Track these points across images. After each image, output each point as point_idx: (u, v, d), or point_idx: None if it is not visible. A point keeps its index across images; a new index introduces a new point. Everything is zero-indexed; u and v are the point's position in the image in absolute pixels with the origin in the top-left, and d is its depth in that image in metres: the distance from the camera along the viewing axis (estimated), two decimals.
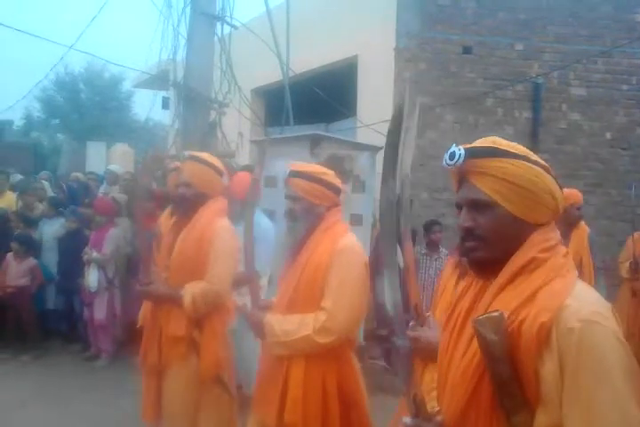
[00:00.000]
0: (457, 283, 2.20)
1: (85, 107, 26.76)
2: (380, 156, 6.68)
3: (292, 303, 2.54)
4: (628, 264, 5.43)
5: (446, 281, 2.37)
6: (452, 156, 1.43)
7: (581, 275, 4.15)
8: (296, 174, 2.62)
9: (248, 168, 6.46)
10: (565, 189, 4.43)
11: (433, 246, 6.27)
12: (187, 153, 3.25)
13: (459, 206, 1.49)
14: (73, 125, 25.91)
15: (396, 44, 7.29)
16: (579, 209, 4.79)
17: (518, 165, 1.41)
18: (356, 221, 5.36)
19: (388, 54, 7.28)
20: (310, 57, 7.77)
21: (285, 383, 2.47)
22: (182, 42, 6.10)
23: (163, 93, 9.12)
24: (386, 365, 5.72)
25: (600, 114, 7.87)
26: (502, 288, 1.40)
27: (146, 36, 7.87)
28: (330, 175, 2.68)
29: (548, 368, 1.28)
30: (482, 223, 1.42)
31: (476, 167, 1.42)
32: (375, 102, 7.49)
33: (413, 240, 6.44)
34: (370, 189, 5.35)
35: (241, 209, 4.61)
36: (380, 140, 7.07)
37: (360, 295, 2.53)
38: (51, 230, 6.59)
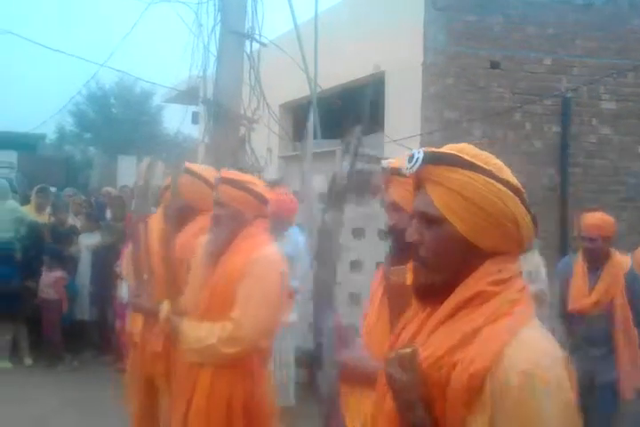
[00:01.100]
0: (382, 298, 2.01)
1: (116, 121, 27.25)
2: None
3: (207, 311, 2.49)
4: None
5: (372, 296, 2.12)
6: (411, 159, 1.24)
7: (612, 321, 3.77)
8: (224, 181, 2.58)
9: (276, 183, 6.52)
10: (589, 215, 4.07)
11: None
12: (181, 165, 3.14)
13: (411, 217, 1.29)
14: (104, 139, 26.40)
15: (424, 59, 7.31)
16: (606, 241, 4.00)
17: (479, 180, 1.18)
18: (384, 236, 5.37)
19: (416, 69, 7.31)
20: (338, 72, 7.84)
21: (192, 392, 2.42)
22: (212, 59, 6.20)
23: (192, 108, 9.25)
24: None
25: (631, 128, 7.78)
26: (442, 322, 1.19)
27: (176, 52, 8.02)
28: (258, 185, 2.66)
29: (478, 423, 1.10)
30: (426, 240, 1.22)
31: (431, 175, 1.22)
32: (402, 117, 7.51)
33: None
34: None
35: (281, 227, 4.64)
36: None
37: (270, 306, 2.47)
38: (88, 244, 6.75)
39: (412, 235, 1.24)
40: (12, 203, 7.20)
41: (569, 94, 7.56)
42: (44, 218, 7.16)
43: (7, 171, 11.71)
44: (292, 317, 4.62)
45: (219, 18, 5.99)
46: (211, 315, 2.47)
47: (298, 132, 9.20)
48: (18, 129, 16.30)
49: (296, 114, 9.96)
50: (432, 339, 1.18)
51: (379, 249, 5.37)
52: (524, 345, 1.11)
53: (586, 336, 4.00)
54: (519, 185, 1.22)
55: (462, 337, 1.14)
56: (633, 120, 7.78)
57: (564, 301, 4.19)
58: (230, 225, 2.53)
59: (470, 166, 1.19)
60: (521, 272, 1.23)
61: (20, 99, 39.99)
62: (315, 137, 6.57)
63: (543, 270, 5.82)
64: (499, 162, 1.25)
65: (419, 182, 1.26)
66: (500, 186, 1.19)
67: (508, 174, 1.23)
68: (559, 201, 7.54)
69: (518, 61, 7.53)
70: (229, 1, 5.80)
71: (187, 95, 8.61)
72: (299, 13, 6.64)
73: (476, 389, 1.09)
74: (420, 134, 7.13)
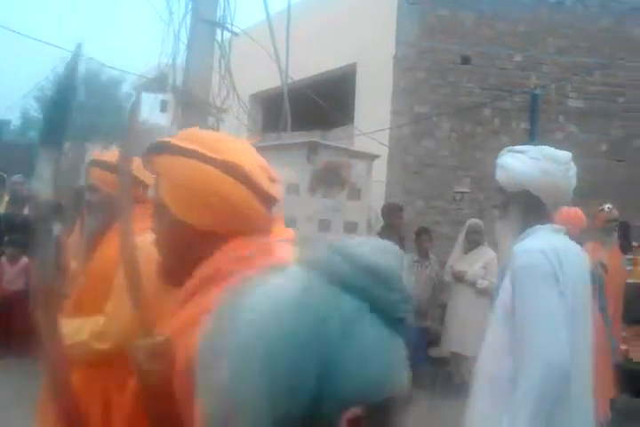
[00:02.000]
0: None
1: (84, 108, 26.78)
2: (377, 163, 6.72)
3: (81, 305, 2.28)
4: None
5: None
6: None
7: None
8: (95, 164, 2.32)
9: None
10: (565, 209, 4.14)
11: (423, 254, 6.30)
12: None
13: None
14: (71, 126, 25.89)
15: (395, 52, 7.33)
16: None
17: (186, 164, 1.18)
18: (350, 228, 5.39)
19: (387, 63, 7.32)
20: (309, 64, 7.80)
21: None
22: (182, 47, 6.11)
23: (161, 96, 9.12)
24: None
25: (596, 126, 7.91)
26: (181, 305, 1.16)
27: (146, 40, 7.89)
28: (135, 167, 2.29)
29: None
30: (155, 228, 1.25)
31: (153, 164, 1.24)
32: (373, 110, 7.52)
33: (402, 247, 6.48)
34: (365, 197, 5.37)
35: None
36: (377, 148, 7.12)
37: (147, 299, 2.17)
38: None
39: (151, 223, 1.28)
40: None
41: (537, 91, 7.66)
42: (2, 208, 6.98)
43: None
44: None
45: (190, 6, 5.91)
46: (83, 309, 2.26)
47: (268, 123, 9.15)
48: None
49: (266, 104, 9.90)
50: (172, 322, 1.15)
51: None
52: None
53: None
54: (240, 165, 1.18)
55: (188, 319, 1.07)
56: (598, 118, 7.91)
57: None
58: (104, 212, 2.27)
59: (176, 151, 1.19)
60: (268, 250, 1.17)
61: None
62: (284, 129, 6.54)
63: (496, 265, 5.94)
64: (209, 141, 1.22)
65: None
66: (208, 167, 1.16)
67: (230, 154, 1.19)
68: None
69: (489, 57, 7.59)
70: None
71: (156, 83, 8.49)
72: (271, 3, 6.58)
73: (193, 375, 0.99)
74: (390, 128, 7.15)
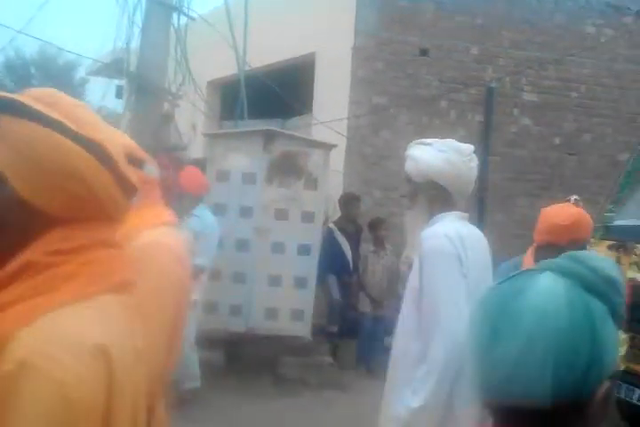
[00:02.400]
0: None
1: None
2: (335, 153, 6.72)
3: None
4: None
5: None
6: None
7: None
8: None
9: (199, 162, 6.39)
10: (553, 209, 2.81)
11: (379, 244, 6.34)
12: None
13: None
14: None
15: (354, 42, 7.31)
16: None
17: (41, 133, 0.97)
18: (307, 217, 5.38)
19: (346, 53, 7.30)
20: (268, 52, 7.73)
21: None
22: (137, 31, 5.97)
23: (117, 82, 8.92)
24: (332, 361, 5.76)
25: (550, 120, 8.07)
26: None
27: (100, 23, 7.67)
28: None
29: None
30: None
31: None
32: (331, 100, 7.50)
33: (358, 238, 6.52)
34: (322, 187, 5.36)
35: (190, 204, 4.56)
36: (336, 138, 7.11)
37: None
38: None
39: None
40: None
41: (493, 84, 7.76)
42: None
43: None
44: (195, 297, 4.56)
45: None
46: None
47: (225, 111, 9.04)
48: None
49: (224, 91, 9.78)
50: None
51: (301, 231, 5.38)
52: (41, 329, 0.90)
53: None
54: (102, 143, 1.01)
55: None
56: (552, 112, 8.07)
57: None
58: None
59: (33, 116, 0.98)
60: (105, 242, 1.03)
61: None
62: (241, 116, 6.47)
63: None
64: (88, 117, 1.05)
65: None
66: (66, 141, 0.98)
67: (90, 129, 1.02)
68: (479, 188, 7.76)
69: (446, 50, 7.65)
70: None
71: (111, 68, 8.29)
72: None
73: None
74: (348, 118, 7.15)
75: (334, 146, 6.44)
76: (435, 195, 2.21)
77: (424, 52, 7.57)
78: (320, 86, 7.88)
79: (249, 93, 6.79)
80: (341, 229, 6.28)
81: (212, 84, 9.71)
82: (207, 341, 5.34)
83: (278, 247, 5.32)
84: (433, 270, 2.05)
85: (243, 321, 5.27)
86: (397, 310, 7.21)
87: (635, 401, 3.75)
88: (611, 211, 4.65)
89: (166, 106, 5.81)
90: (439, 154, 2.19)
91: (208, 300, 5.16)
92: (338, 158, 7.01)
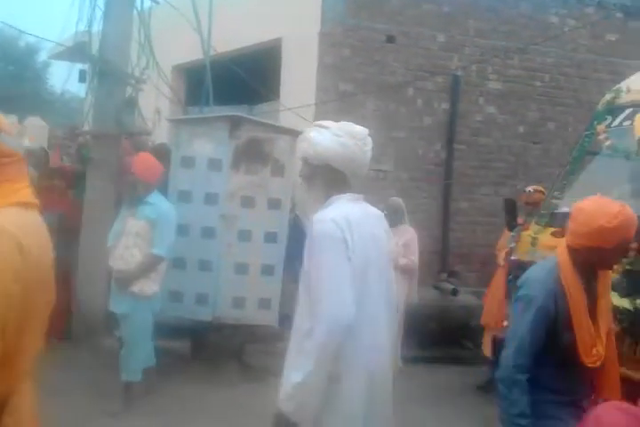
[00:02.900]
0: None
1: None
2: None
3: None
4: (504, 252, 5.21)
5: None
6: None
7: None
8: None
9: (162, 147, 6.30)
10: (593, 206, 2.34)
11: None
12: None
13: None
14: None
15: (321, 29, 7.26)
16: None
17: None
18: (274, 204, 5.35)
19: (313, 39, 7.25)
20: (234, 36, 7.62)
21: None
22: (100, 14, 5.83)
23: (80, 66, 8.71)
24: None
25: (514, 108, 8.17)
26: None
27: (62, 6, 7.46)
28: None
29: None
30: None
31: None
32: (298, 86, 7.45)
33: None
34: (289, 173, 5.33)
35: (143, 191, 4.47)
36: (301, 124, 7.06)
37: None
38: None
39: None
40: None
41: (459, 73, 7.80)
42: None
43: None
44: (153, 287, 4.51)
45: None
46: None
47: (191, 96, 8.92)
48: None
49: (189, 76, 9.63)
50: None
51: (268, 218, 5.35)
52: None
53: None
54: None
55: None
56: (516, 101, 8.16)
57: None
58: None
59: None
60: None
61: None
62: (207, 102, 6.39)
63: (416, 243, 6.08)
64: None
65: None
66: None
67: None
68: (444, 176, 7.83)
69: (413, 37, 7.65)
70: None
71: (73, 52, 8.08)
72: None
73: None
74: (315, 104, 7.12)
75: (301, 132, 6.40)
76: (330, 177, 2.28)
77: (391, 39, 7.56)
78: (287, 72, 7.82)
79: (215, 79, 6.70)
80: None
81: (177, 68, 9.56)
82: (173, 330, 5.30)
83: (245, 235, 5.28)
84: (317, 255, 2.16)
85: (209, 310, 5.22)
86: None
87: None
88: (556, 197, 4.60)
89: (129, 90, 5.70)
90: (335, 138, 2.25)
91: (173, 289, 5.11)
92: None
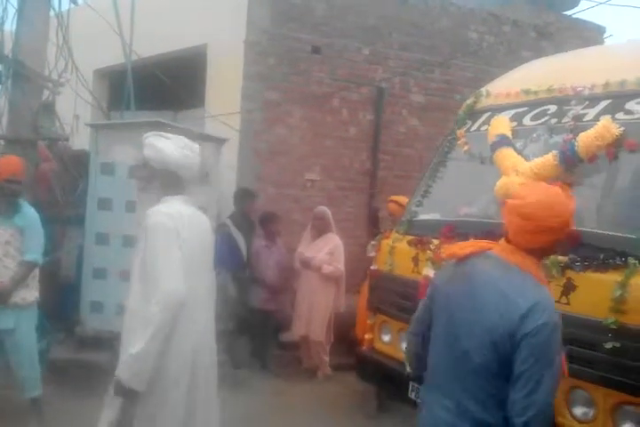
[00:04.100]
0: None
1: None
2: (226, 148, 6.62)
3: None
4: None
5: None
6: None
7: None
8: None
9: (81, 153, 6.09)
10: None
11: (271, 238, 6.33)
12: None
13: None
14: None
15: (246, 37, 7.24)
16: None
17: None
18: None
19: (238, 46, 7.22)
20: (158, 41, 7.48)
21: None
22: (13, 12, 5.59)
23: None
24: (226, 358, 5.68)
25: (436, 120, 8.40)
26: None
27: None
28: None
29: None
30: None
31: None
32: (223, 94, 7.39)
33: (252, 233, 6.45)
34: (214, 182, 5.26)
35: (17, 197, 4.23)
36: (227, 132, 7.00)
37: None
38: None
39: None
40: None
41: (383, 85, 7.96)
42: None
43: None
44: (35, 294, 4.32)
45: None
46: None
47: (114, 101, 8.68)
48: None
49: (112, 81, 9.37)
50: None
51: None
52: None
53: None
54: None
55: None
56: (438, 113, 8.40)
57: None
58: None
59: None
60: None
61: None
62: (128, 107, 6.23)
63: (342, 251, 6.15)
64: None
65: None
66: None
67: None
68: (369, 185, 7.95)
69: (338, 49, 7.75)
70: None
71: None
72: None
73: None
74: (240, 112, 7.08)
75: (226, 140, 6.35)
76: (169, 180, 2.67)
77: (316, 50, 7.63)
78: (212, 79, 7.74)
79: (139, 84, 6.55)
80: (236, 225, 6.20)
81: (98, 72, 9.28)
82: (93, 341, 5.10)
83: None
84: (154, 242, 2.51)
85: None
86: (291, 305, 7.10)
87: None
88: (416, 205, 4.33)
89: (46, 93, 5.48)
90: (177, 148, 2.66)
91: (94, 299, 4.93)
92: (231, 154, 6.92)
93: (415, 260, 3.85)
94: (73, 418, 4.35)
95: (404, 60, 8.15)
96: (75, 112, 5.85)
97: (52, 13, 5.80)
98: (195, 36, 7.58)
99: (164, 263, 2.45)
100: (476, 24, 8.66)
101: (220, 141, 5.91)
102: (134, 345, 2.42)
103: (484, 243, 2.25)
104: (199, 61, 7.84)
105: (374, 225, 5.31)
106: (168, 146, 2.64)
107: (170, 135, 2.71)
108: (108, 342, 5.31)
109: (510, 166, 3.49)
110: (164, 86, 7.26)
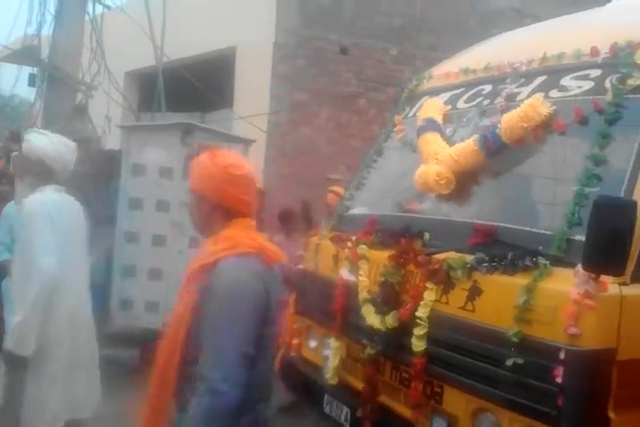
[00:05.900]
0: None
1: None
2: (253, 148, 6.71)
3: None
4: None
5: None
6: None
7: None
8: None
9: (113, 153, 6.23)
10: None
11: (289, 234, 6.40)
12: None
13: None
14: None
15: (275, 38, 7.33)
16: None
17: None
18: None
19: (267, 48, 7.31)
20: (188, 44, 7.61)
21: None
22: (50, 18, 5.76)
23: (29, 69, 8.55)
24: None
25: None
26: None
27: (11, 7, 7.33)
28: None
29: None
30: None
31: None
32: (252, 95, 7.49)
33: (262, 229, 6.48)
34: None
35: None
36: (256, 134, 7.10)
37: None
38: None
39: None
40: None
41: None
42: None
43: None
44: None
45: None
46: None
47: (144, 103, 8.85)
48: None
49: (142, 83, 9.56)
50: None
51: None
52: None
53: None
54: None
55: None
56: None
57: None
58: None
59: None
60: None
61: None
62: (158, 109, 6.36)
63: None
64: None
65: None
66: None
67: None
68: None
69: (366, 49, 7.79)
70: None
71: (21, 55, 7.94)
72: None
73: None
74: (268, 113, 7.17)
75: (253, 141, 6.44)
76: (42, 172, 3.04)
77: (344, 51, 7.68)
78: (240, 81, 7.85)
79: (168, 86, 6.68)
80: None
81: (129, 75, 9.47)
82: (123, 338, 5.22)
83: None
84: (32, 227, 2.90)
85: (159, 318, 5.18)
86: None
87: (342, 421, 3.02)
88: (348, 198, 3.80)
89: (80, 96, 5.64)
90: (50, 143, 3.06)
91: (123, 297, 5.06)
92: (258, 154, 7.01)
93: (335, 258, 3.35)
94: (104, 415, 4.46)
95: (431, 60, 8.14)
96: (107, 113, 6.00)
97: (86, 18, 5.96)
98: (224, 38, 7.70)
99: (41, 248, 2.83)
100: (503, 22, 8.60)
101: (247, 142, 5.99)
102: (17, 315, 2.81)
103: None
104: (228, 63, 7.96)
105: (305, 220, 5.18)
106: (42, 140, 3.04)
107: (46, 131, 3.17)
108: (137, 339, 5.45)
109: (432, 153, 3.05)
110: (193, 88, 7.39)
